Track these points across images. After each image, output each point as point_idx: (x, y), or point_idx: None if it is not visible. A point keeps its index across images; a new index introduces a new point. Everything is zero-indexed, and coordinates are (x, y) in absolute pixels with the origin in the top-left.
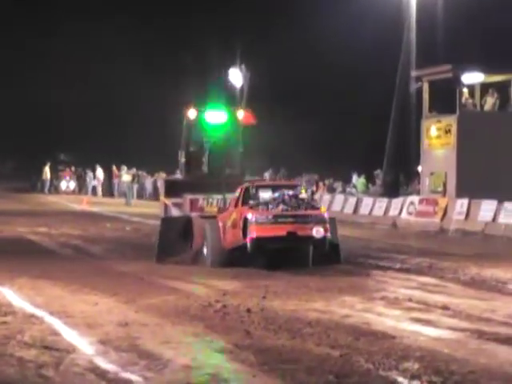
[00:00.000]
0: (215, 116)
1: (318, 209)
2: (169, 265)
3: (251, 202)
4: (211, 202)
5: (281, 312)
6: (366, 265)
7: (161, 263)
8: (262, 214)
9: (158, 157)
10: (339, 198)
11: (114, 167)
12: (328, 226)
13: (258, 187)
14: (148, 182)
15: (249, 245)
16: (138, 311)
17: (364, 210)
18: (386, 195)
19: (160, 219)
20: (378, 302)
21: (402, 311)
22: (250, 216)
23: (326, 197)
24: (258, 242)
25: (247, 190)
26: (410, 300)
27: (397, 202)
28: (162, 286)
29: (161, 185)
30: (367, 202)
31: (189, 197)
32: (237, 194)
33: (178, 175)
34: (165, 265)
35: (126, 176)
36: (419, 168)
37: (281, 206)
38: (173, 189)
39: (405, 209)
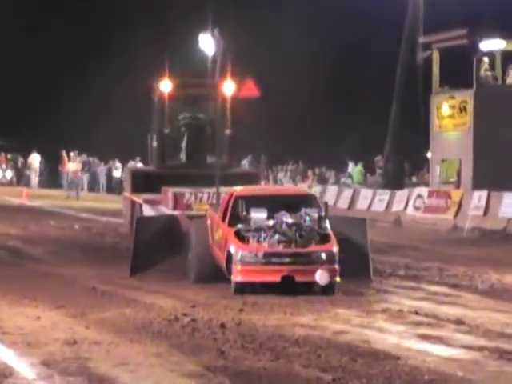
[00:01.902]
0: (195, 88)
1: (326, 240)
2: (149, 278)
3: (240, 226)
4: (201, 197)
5: (261, 328)
6: (363, 271)
7: (136, 275)
8: (251, 249)
9: (119, 141)
10: (332, 189)
11: (64, 153)
12: (337, 266)
13: (251, 200)
14: (101, 172)
15: (232, 286)
16: (88, 327)
17: (361, 204)
18: (389, 187)
19: (135, 219)
20: (379, 315)
21: (407, 326)
22: (233, 250)
23: (317, 188)
24: (243, 287)
25: (237, 201)
26: (417, 313)
27: (401, 194)
28: (117, 297)
29: (126, 177)
30: (365, 194)
31: (172, 190)
32: (225, 200)
33: (140, 164)
34: (144, 278)
35: (72, 164)
36: (428, 154)
37: (276, 237)
38: (142, 182)
39: (411, 203)
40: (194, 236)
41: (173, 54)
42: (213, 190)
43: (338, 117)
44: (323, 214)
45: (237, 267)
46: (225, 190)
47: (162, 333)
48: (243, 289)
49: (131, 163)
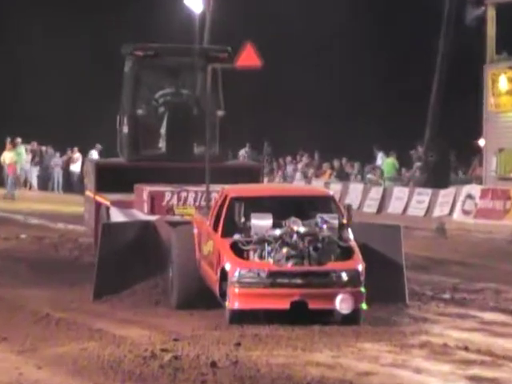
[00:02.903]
0: (178, 56)
1: (349, 255)
2: (118, 303)
3: (237, 236)
4: (185, 198)
5: (264, 368)
6: (397, 294)
7: (102, 299)
8: (252, 266)
9: (80, 126)
10: (356, 188)
11: (9, 141)
12: (363, 288)
13: (251, 202)
14: (56, 165)
15: (227, 315)
16: (40, 366)
17: (394, 206)
18: (430, 184)
19: (101, 225)
20: (417, 351)
21: (453, 366)
22: (229, 267)
23: (335, 186)
24: (241, 316)
25: (232, 204)
26: (467, 348)
27: (446, 194)
28: (77, 327)
29: (89, 171)
30: (399, 194)
31: (148, 189)
32: (218, 203)
33: (95, 155)
34: (112, 303)
35: (9, 154)
36: (480, 142)
37: (285, 251)
38: (110, 178)
39: (458, 205)
40: (176, 249)
41: (149, 14)
42: (201, 188)
43: (362, 94)
44: (345, 220)
45: (233, 290)
46: (217, 190)
47: (135, 374)
48: (241, 318)
49: (92, 153)
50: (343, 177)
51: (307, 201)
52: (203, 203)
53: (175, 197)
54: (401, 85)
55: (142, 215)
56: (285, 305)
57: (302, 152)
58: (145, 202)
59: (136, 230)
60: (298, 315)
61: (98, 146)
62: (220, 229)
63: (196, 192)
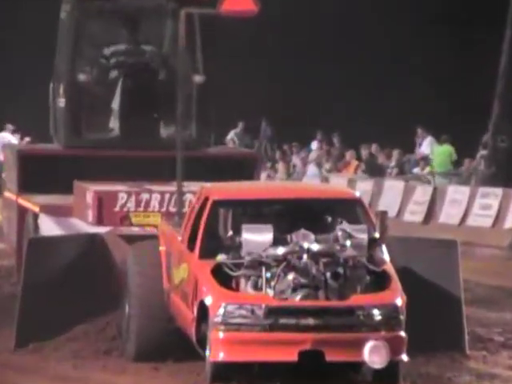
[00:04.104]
0: (137, 0)
1: (383, 285)
2: (50, 353)
3: (222, 257)
4: (147, 202)
5: None
6: (452, 340)
7: (27, 347)
8: (243, 301)
9: None
10: (393, 187)
11: None
12: (403, 333)
13: (241, 207)
14: None
15: (209, 370)
16: None
17: (449, 214)
18: (499, 181)
19: (26, 241)
20: None
21: None
22: (211, 303)
23: (364, 185)
24: (229, 372)
25: (215, 210)
26: None
27: None
28: None
29: (9, 163)
30: (456, 196)
31: (93, 189)
32: (195, 208)
33: (9, 137)
34: (42, 352)
35: None
36: None
37: (291, 278)
38: (39, 173)
39: None
40: (135, 275)
41: None
42: (170, 188)
43: (400, 57)
44: (377, 234)
45: (217, 335)
46: (193, 190)
47: None
48: (228, 375)
49: (4, 137)
50: (375, 171)
51: (323, 206)
52: (173, 209)
53: (133, 199)
54: (454, 52)
55: (84, 226)
56: (291, 356)
57: (317, 135)
58: (89, 208)
59: (76, 247)
60: (311, 371)
61: (10, 127)
62: (198, 247)
63: (163, 193)
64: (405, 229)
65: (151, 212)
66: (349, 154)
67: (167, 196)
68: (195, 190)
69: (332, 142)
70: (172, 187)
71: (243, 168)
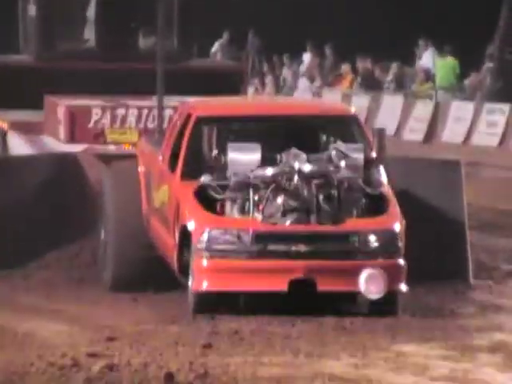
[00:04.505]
0: None
1: (381, 208)
2: (21, 282)
3: (205, 178)
4: (123, 117)
5: (248, 381)
6: (455, 268)
7: None
8: (229, 225)
9: None
10: (391, 103)
11: None
12: (402, 260)
13: (227, 124)
14: None
15: (191, 300)
16: None
17: (452, 132)
18: (507, 97)
19: None
20: (486, 356)
21: None
22: (194, 228)
23: (360, 101)
24: (213, 302)
25: (199, 128)
26: None
27: None
28: None
29: None
30: (460, 113)
31: (65, 103)
32: (176, 125)
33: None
34: (12, 282)
35: None
36: None
37: (280, 201)
38: (7, 86)
39: None
40: (111, 198)
41: None
42: (149, 102)
43: None
44: (374, 153)
45: (200, 263)
46: (174, 105)
47: None
48: (212, 305)
49: None
50: (372, 86)
51: (316, 123)
52: (151, 125)
53: (108, 115)
54: None
55: (56, 144)
56: (281, 285)
57: (308, 46)
58: (61, 124)
59: (48, 167)
60: (302, 301)
61: None
62: (180, 167)
63: (140, 108)
64: (404, 148)
65: (128, 128)
66: (343, 68)
67: (145, 111)
68: (175, 105)
69: (324, 53)
70: (150, 102)
71: (229, 82)
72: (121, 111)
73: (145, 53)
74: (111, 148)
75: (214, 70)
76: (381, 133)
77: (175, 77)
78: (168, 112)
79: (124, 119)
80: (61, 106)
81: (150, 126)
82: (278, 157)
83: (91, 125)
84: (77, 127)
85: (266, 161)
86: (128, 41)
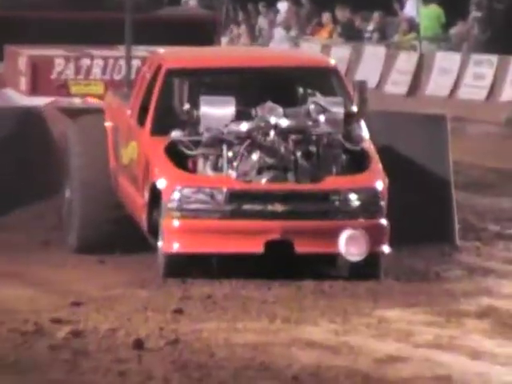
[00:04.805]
0: None
1: (362, 165)
2: None
3: (176, 133)
4: (88, 68)
5: (222, 351)
6: (440, 229)
7: None
8: (201, 183)
9: None
10: (373, 54)
11: None
12: (384, 221)
13: (199, 77)
14: None
15: (161, 262)
16: None
17: (437, 85)
18: (495, 47)
19: None
20: (473, 322)
21: None
22: (164, 186)
23: (340, 51)
24: (185, 265)
25: (169, 80)
26: None
27: None
28: None
29: None
30: (445, 64)
31: (27, 53)
32: (145, 78)
33: None
34: None
35: None
36: None
37: (255, 158)
38: None
39: None
40: (77, 155)
41: None
42: (115, 52)
43: None
44: (355, 107)
45: (171, 223)
46: (143, 55)
47: (6, 362)
48: (184, 268)
49: None
50: (352, 36)
51: (293, 75)
52: (118, 77)
53: (72, 66)
54: None
55: (18, 97)
56: (256, 247)
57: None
58: (22, 75)
59: (9, 122)
60: (279, 264)
61: None
62: (149, 122)
63: (106, 58)
64: (386, 102)
65: (93, 80)
66: (324, 17)
67: (111, 62)
68: (144, 56)
69: (300, 2)
70: (116, 52)
71: (201, 32)
72: (85, 61)
73: (111, 1)
74: (77, 101)
75: (186, 19)
76: (362, 86)
77: (144, 27)
78: (136, 63)
79: (89, 70)
80: (22, 56)
81: (117, 77)
82: (253, 111)
83: (54, 76)
84: (39, 78)
85: (240, 115)
86: None
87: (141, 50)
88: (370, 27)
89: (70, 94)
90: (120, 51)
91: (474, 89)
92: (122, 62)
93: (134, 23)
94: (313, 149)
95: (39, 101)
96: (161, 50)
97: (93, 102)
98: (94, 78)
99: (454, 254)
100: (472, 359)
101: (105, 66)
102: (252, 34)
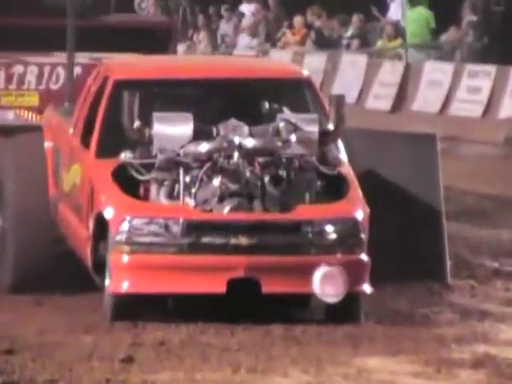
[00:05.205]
0: None
1: (339, 192)
2: None
3: (126, 155)
4: (21, 77)
5: None
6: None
7: None
8: (155, 214)
9: None
10: (352, 64)
11: None
12: (365, 256)
13: (152, 90)
14: None
15: (108, 304)
16: None
17: (426, 99)
18: (492, 56)
19: None
20: (467, 373)
21: None
22: (112, 215)
23: (315, 61)
24: (135, 307)
25: (118, 93)
26: None
27: None
28: None
29: None
30: (435, 75)
31: None
32: (91, 91)
33: None
34: None
35: None
36: None
37: (216, 183)
38: None
39: None
40: (10, 179)
41: None
42: (50, 58)
43: None
44: (331, 125)
45: (119, 258)
46: (82, 62)
47: None
48: (134, 310)
49: None
50: (328, 43)
51: (260, 88)
52: (55, 86)
53: (1, 73)
54: None
55: None
56: (217, 287)
57: None
58: None
59: None
60: (243, 305)
61: None
62: (94, 142)
63: (41, 65)
64: (368, 118)
65: (26, 90)
66: (296, 21)
67: (47, 69)
68: (84, 62)
69: (268, 4)
70: (53, 58)
71: (155, 39)
72: (18, 69)
73: (52, 6)
74: (9, 116)
75: (137, 25)
76: (339, 100)
77: (89, 33)
78: (76, 70)
79: (21, 79)
80: None
81: (54, 87)
82: (215, 129)
83: None
84: None
85: (199, 134)
86: None
87: (82, 57)
88: (349, 33)
89: (3, 111)
90: (57, 57)
91: (468, 104)
92: (60, 70)
93: (77, 30)
94: (283, 173)
95: None
96: (105, 55)
97: (29, 117)
98: (27, 88)
99: (444, 294)
100: None
101: (40, 74)
102: (213, 40)
